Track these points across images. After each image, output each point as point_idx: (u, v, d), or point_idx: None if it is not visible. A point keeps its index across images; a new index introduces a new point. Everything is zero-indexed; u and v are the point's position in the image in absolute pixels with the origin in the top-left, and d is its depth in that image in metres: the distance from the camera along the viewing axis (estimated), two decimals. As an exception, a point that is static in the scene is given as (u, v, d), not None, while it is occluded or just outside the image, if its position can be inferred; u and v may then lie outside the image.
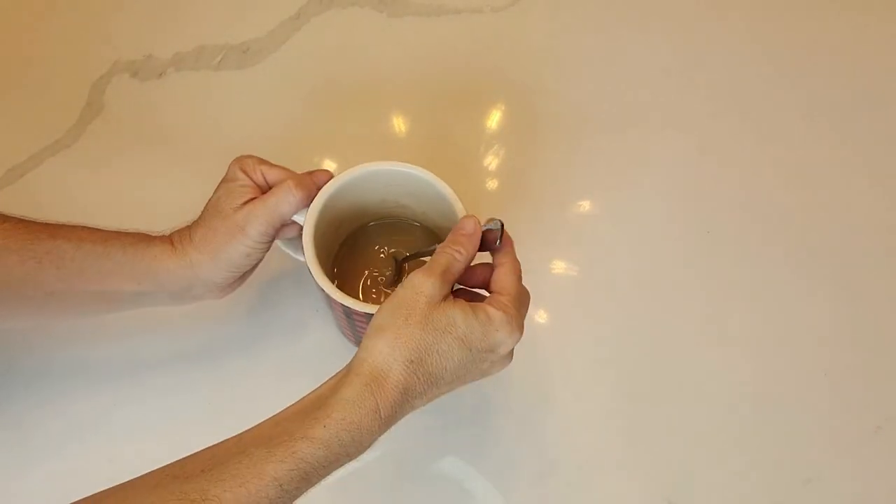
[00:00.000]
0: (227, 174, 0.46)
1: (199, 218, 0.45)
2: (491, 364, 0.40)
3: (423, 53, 0.65)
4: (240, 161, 0.46)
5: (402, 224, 0.52)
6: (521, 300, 0.40)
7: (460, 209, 0.44)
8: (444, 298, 0.38)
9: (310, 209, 0.45)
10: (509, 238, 0.42)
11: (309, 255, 0.44)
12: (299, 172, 0.46)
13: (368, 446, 0.36)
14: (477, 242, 0.41)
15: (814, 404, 0.51)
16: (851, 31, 0.67)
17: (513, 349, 0.40)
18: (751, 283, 0.55)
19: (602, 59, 0.65)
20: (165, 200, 0.54)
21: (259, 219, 0.44)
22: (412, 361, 0.37)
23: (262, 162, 0.46)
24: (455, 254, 0.40)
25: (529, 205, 0.58)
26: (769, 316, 0.54)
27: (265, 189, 0.46)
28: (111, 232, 0.45)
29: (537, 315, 0.54)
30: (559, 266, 0.56)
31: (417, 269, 0.39)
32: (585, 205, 0.59)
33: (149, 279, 0.45)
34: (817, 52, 0.65)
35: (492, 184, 0.59)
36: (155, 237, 0.46)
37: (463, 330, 0.37)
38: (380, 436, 0.36)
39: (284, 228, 0.46)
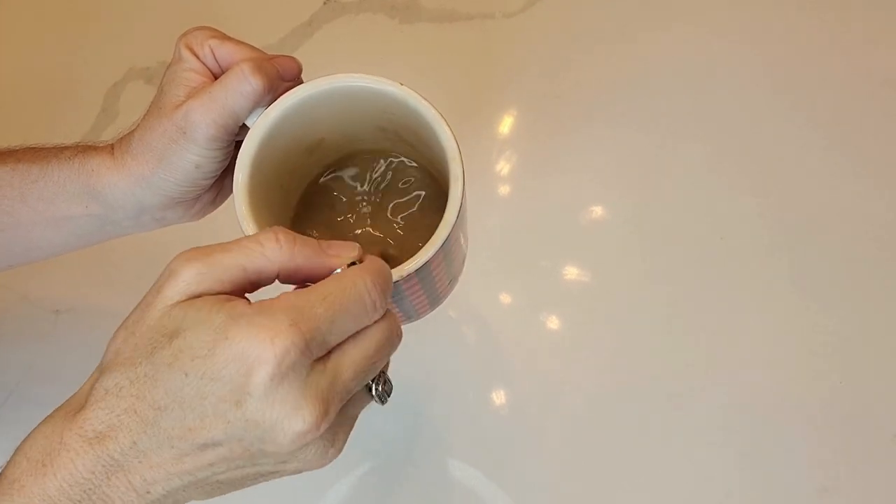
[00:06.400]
0: (173, 55, 0.36)
1: (143, 116, 0.36)
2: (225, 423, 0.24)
3: (435, 59, 0.66)
4: (187, 36, 0.36)
5: (396, 165, 0.40)
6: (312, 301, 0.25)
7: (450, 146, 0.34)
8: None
9: (263, 115, 0.33)
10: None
11: (240, 185, 0.32)
12: (259, 55, 0.35)
13: None
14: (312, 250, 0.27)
15: (829, 412, 0.51)
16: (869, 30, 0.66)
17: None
18: (765, 289, 0.55)
19: (615, 65, 0.65)
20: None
21: (202, 117, 0.33)
22: (107, 390, 0.25)
23: (214, 35, 0.35)
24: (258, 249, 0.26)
25: (542, 210, 0.58)
26: (784, 322, 0.54)
27: (218, 73, 0.35)
28: (51, 147, 0.38)
29: (549, 321, 0.54)
30: (571, 272, 0.56)
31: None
32: (598, 210, 0.58)
33: (93, 199, 0.37)
34: (838, 58, 0.65)
35: (504, 189, 0.59)
36: (98, 147, 0.38)
37: (183, 336, 0.25)
38: None
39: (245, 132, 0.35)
